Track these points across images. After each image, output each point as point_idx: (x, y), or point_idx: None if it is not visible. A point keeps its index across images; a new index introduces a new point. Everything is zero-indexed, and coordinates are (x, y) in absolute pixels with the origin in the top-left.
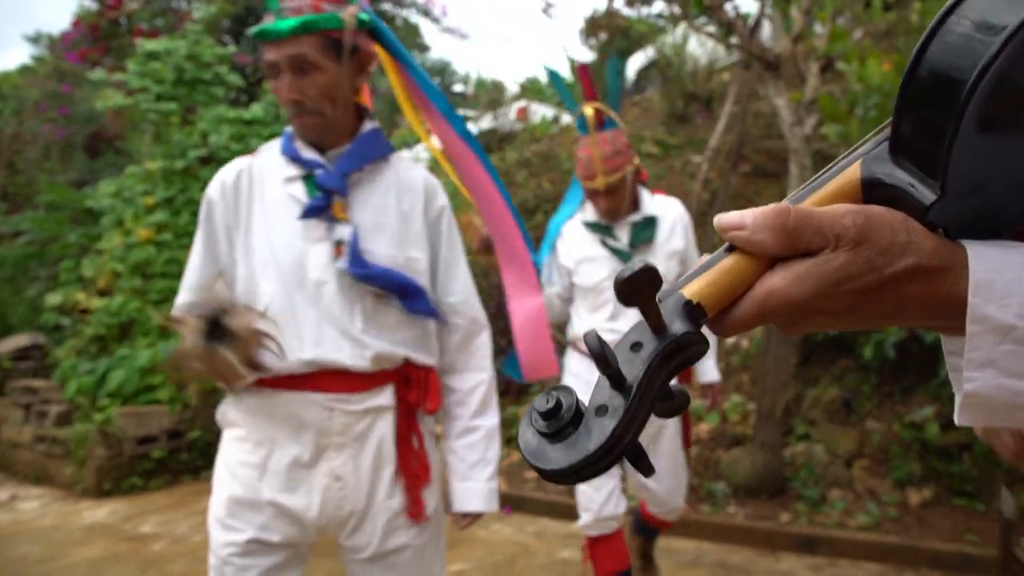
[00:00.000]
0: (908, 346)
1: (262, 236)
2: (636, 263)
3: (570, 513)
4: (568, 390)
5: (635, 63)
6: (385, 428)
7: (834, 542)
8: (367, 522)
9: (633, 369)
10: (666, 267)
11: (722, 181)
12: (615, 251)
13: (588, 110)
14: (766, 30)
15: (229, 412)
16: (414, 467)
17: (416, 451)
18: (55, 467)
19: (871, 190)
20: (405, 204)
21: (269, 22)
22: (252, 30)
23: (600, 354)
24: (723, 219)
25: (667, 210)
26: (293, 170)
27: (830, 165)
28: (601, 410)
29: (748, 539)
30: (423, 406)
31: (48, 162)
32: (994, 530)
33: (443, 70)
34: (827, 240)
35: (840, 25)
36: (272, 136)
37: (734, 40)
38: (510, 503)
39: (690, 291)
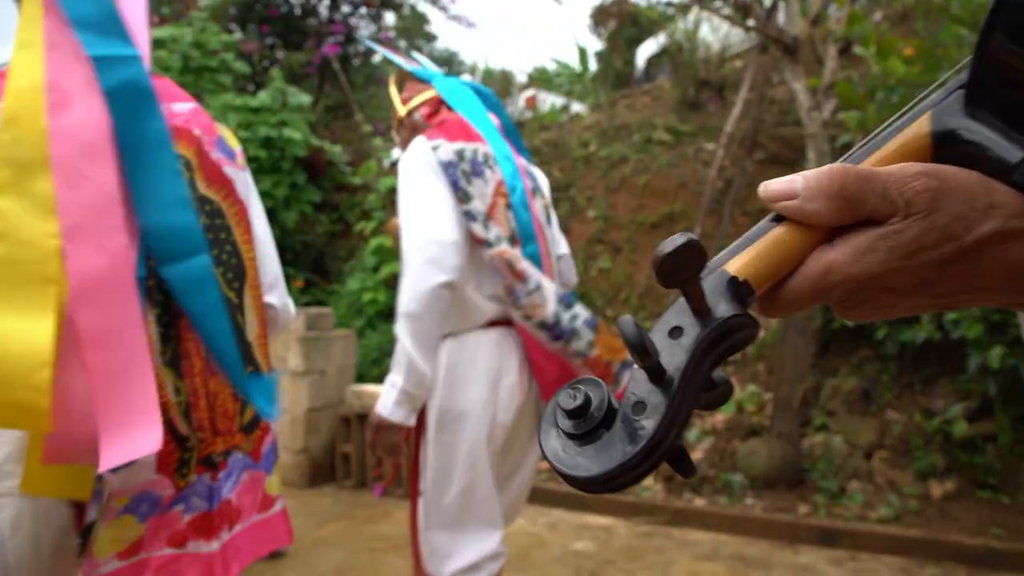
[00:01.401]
0: (930, 335)
1: None
2: (678, 237)
3: (583, 504)
4: (596, 383)
5: (645, 51)
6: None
7: (854, 535)
8: None
9: (674, 359)
10: None
11: (736, 169)
12: None
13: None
14: (781, 13)
15: None
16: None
17: None
18: None
19: (943, 147)
20: None
21: None
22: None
23: (639, 344)
24: (770, 187)
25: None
26: None
27: (891, 120)
28: (638, 407)
29: (766, 531)
30: None
31: None
32: (1020, 524)
33: (450, 60)
34: (895, 206)
35: (857, 8)
36: (280, 124)
37: (750, 23)
38: None
39: (735, 267)
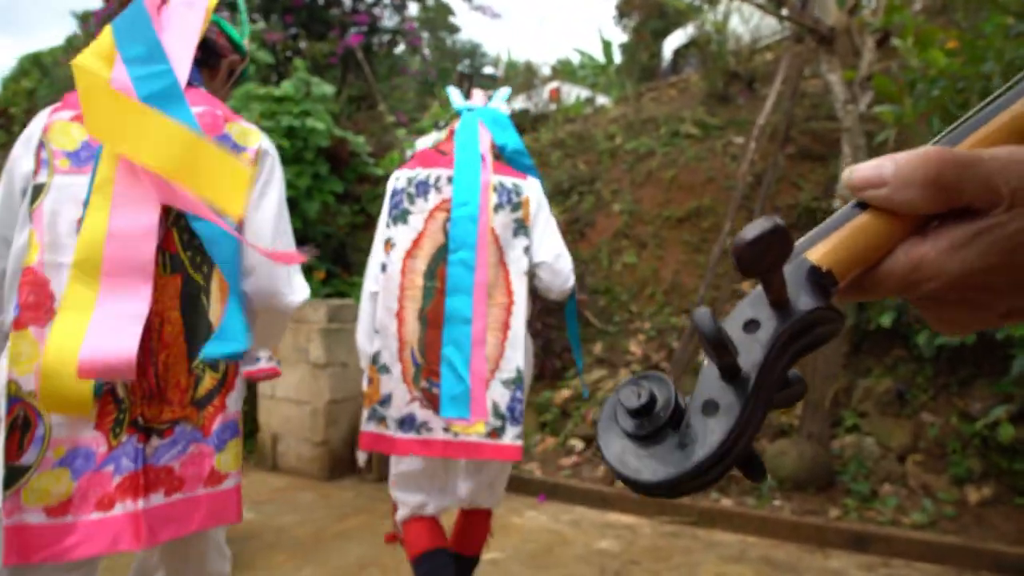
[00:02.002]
0: (967, 338)
1: None
2: (764, 221)
3: (606, 502)
4: (662, 380)
5: (672, 43)
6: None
7: (887, 540)
8: None
9: (750, 356)
10: None
11: (765, 163)
12: None
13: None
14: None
15: None
16: None
17: None
18: None
19: None
20: None
21: None
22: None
23: (717, 339)
24: (856, 174)
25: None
26: None
27: (997, 93)
28: (709, 407)
29: (795, 534)
30: None
31: None
32: None
33: (473, 52)
34: (998, 196)
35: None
36: (303, 114)
37: (784, 12)
38: (544, 490)
39: (816, 256)
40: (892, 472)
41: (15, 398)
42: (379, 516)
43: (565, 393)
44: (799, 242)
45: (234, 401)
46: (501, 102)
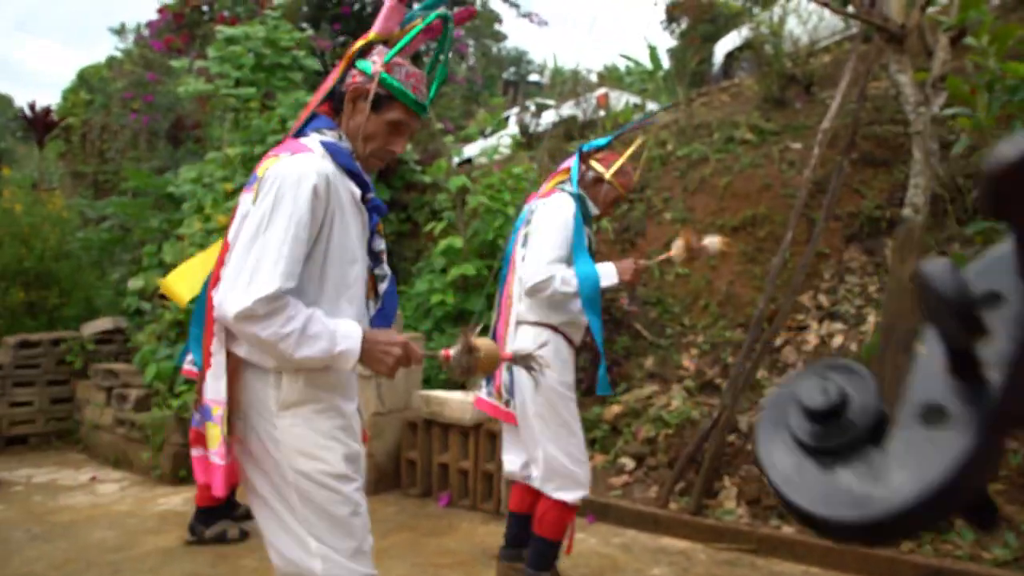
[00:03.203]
0: None
1: (343, 240)
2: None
3: (659, 525)
4: (858, 373)
5: (723, 47)
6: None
7: None
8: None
9: (993, 343)
10: None
11: (825, 169)
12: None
13: (642, 142)
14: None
15: (305, 390)
16: None
17: None
18: (134, 451)
19: None
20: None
21: (421, 101)
22: (416, 104)
23: (963, 305)
24: None
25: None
26: (353, 185)
27: None
28: (933, 415)
29: (863, 566)
30: None
31: (134, 151)
32: None
33: (519, 59)
34: None
35: None
36: None
37: (851, 10)
38: (593, 511)
39: None
40: None
41: None
42: (422, 534)
43: (615, 409)
44: None
45: (206, 390)
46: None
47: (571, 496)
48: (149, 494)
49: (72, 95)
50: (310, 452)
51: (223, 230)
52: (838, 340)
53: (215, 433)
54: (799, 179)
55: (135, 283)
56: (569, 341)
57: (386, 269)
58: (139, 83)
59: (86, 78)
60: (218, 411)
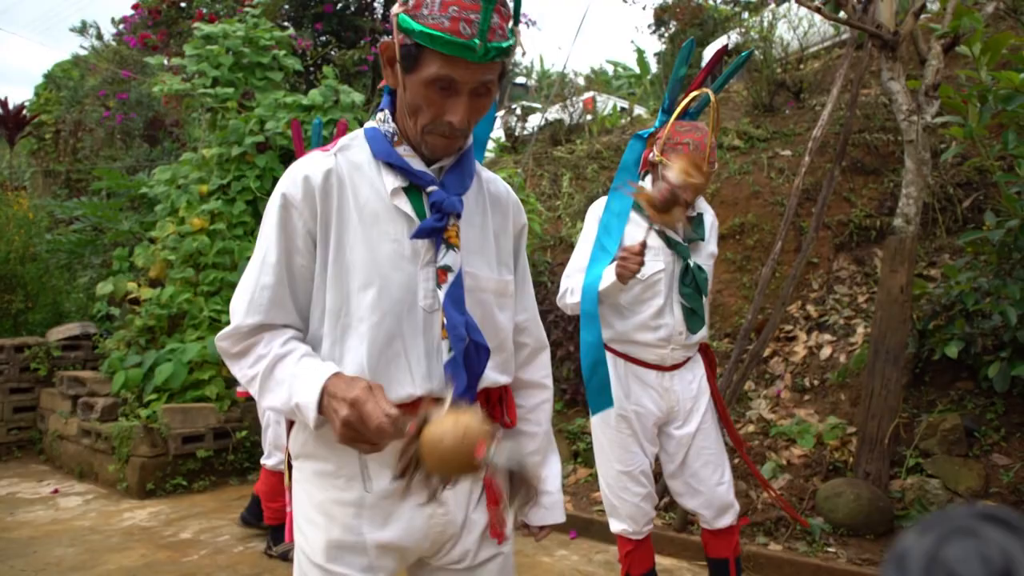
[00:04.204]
0: None
1: (362, 253)
2: None
3: None
4: (1019, 527)
5: (711, 52)
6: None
7: None
8: (462, 539)
9: None
10: (708, 268)
11: (814, 177)
12: (673, 244)
13: (712, 96)
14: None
15: (309, 443)
16: (496, 485)
17: None
18: (100, 462)
19: None
20: (496, 222)
21: (464, 39)
22: (459, 45)
23: None
24: None
25: (705, 210)
26: (396, 180)
27: None
28: None
29: None
30: (504, 421)
31: (109, 149)
32: None
33: None
34: None
35: (963, 4)
36: (331, 123)
37: (843, 16)
38: (575, 527)
39: None
40: None
41: None
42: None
43: None
44: None
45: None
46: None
47: (613, 525)
48: (114, 508)
49: (44, 91)
50: (298, 522)
51: (197, 233)
52: (826, 352)
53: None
54: (788, 187)
55: (104, 287)
56: (627, 358)
57: (442, 295)
58: (113, 80)
59: (53, 76)
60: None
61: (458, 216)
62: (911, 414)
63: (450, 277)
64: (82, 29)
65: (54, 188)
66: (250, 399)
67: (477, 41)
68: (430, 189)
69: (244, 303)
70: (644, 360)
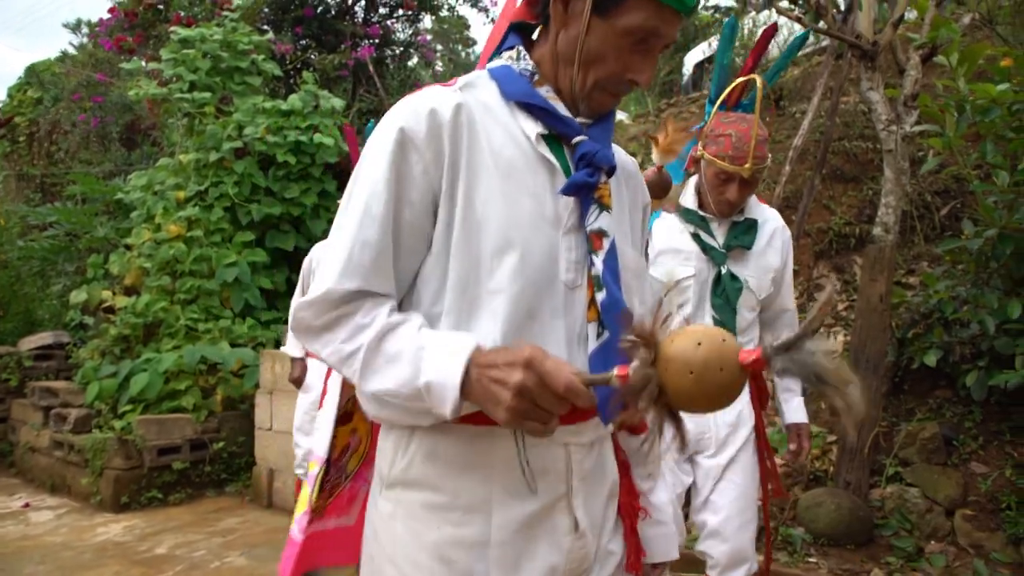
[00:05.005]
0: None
1: (498, 209)
2: None
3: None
4: None
5: (692, 58)
6: (611, 461)
7: None
8: (595, 571)
9: None
10: (758, 282)
11: (794, 184)
12: (707, 248)
13: (759, 80)
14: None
15: (415, 465)
16: (633, 504)
17: (630, 485)
18: (72, 475)
19: None
20: (628, 195)
21: None
22: None
23: None
24: None
25: (768, 218)
26: (537, 125)
27: None
28: None
29: None
30: (635, 429)
31: (85, 152)
32: None
33: None
34: None
35: (940, 15)
36: (311, 128)
37: (822, 25)
38: None
39: None
40: (939, 528)
41: None
42: None
43: None
44: None
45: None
46: None
47: None
48: (87, 523)
49: (18, 92)
50: (400, 566)
51: (173, 240)
52: None
53: (304, 496)
54: (769, 195)
55: (78, 295)
56: None
57: (599, 264)
58: (88, 84)
59: (36, 73)
60: (314, 468)
61: (611, 173)
62: (890, 422)
63: (606, 244)
64: (76, 26)
65: (27, 192)
66: (234, 408)
67: None
68: (578, 139)
69: (340, 263)
70: None
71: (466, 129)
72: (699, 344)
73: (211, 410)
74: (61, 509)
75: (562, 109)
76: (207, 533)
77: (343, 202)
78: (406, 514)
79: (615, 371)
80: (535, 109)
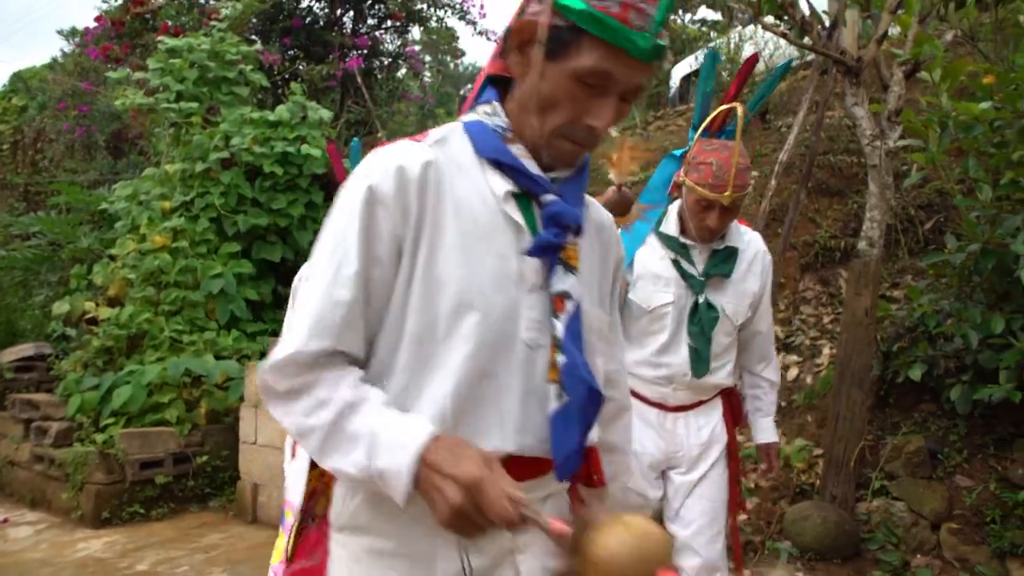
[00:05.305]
0: (1009, 395)
1: (459, 268)
2: None
3: None
4: None
5: (679, 71)
6: (562, 513)
7: None
8: None
9: None
10: (735, 309)
11: (780, 198)
12: (686, 276)
13: (739, 109)
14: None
15: (362, 512)
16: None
17: None
18: (53, 490)
19: None
20: (599, 251)
21: (637, 23)
22: (628, 37)
23: None
24: None
25: (749, 244)
26: (506, 183)
27: None
28: None
29: None
30: (592, 482)
31: (70, 161)
32: None
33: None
34: None
35: (923, 31)
36: (298, 139)
37: (807, 41)
38: None
39: None
40: (925, 541)
41: None
42: None
43: None
44: None
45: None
46: None
47: None
48: (67, 538)
49: (2, 100)
50: None
51: (158, 251)
52: (793, 372)
53: (280, 545)
54: (756, 208)
55: (61, 306)
56: (642, 399)
57: (560, 327)
58: (74, 93)
59: (23, 79)
60: (289, 517)
61: (578, 233)
62: (876, 436)
63: (569, 306)
64: (71, 33)
65: (11, 201)
66: (219, 421)
67: (649, 34)
68: (547, 198)
69: (309, 321)
70: (644, 396)
71: (433, 187)
72: (622, 552)
73: (195, 423)
74: (41, 524)
75: (533, 167)
76: (190, 549)
77: (314, 256)
78: (351, 558)
79: (550, 522)
80: (505, 167)
